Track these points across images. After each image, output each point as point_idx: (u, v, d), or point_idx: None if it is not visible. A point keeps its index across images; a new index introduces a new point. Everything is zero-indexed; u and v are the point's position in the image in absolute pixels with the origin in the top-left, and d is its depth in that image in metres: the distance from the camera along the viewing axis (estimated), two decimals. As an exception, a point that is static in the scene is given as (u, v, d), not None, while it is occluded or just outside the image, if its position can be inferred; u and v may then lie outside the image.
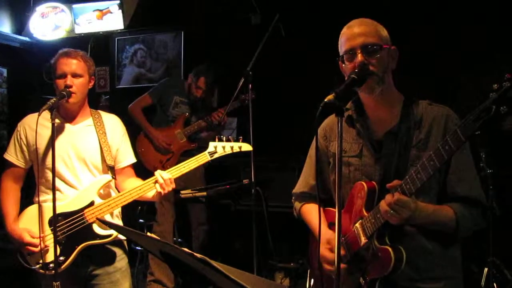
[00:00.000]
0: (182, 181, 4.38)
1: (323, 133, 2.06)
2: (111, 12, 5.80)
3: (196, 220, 4.60)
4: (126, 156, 2.71)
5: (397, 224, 1.66)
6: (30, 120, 2.60)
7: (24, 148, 2.57)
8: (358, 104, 1.92)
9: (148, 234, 1.76)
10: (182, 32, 5.68)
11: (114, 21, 5.78)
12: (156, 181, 2.49)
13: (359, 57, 1.73)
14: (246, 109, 3.61)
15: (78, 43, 5.90)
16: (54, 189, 2.33)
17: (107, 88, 6.11)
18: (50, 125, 2.39)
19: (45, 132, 2.48)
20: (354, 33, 1.76)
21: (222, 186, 4.03)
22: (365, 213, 1.77)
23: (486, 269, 3.77)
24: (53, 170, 2.35)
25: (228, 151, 2.61)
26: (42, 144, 2.51)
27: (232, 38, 5.22)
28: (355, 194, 1.83)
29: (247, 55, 3.42)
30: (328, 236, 1.92)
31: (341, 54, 1.82)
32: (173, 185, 2.50)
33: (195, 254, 1.34)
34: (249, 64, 3.35)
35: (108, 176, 2.58)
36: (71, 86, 2.49)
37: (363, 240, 1.76)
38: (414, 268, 1.77)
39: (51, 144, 2.37)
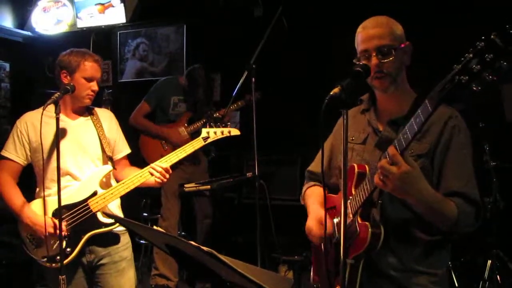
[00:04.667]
0: (186, 174, 4.42)
1: (341, 121, 2.09)
2: (113, 6, 5.79)
3: (202, 213, 4.61)
4: (122, 147, 2.83)
5: (397, 191, 1.59)
6: (31, 116, 2.62)
7: (26, 144, 2.59)
8: (372, 96, 1.97)
9: (154, 227, 1.77)
10: (184, 26, 5.67)
11: (116, 15, 5.77)
12: (152, 174, 2.59)
13: (374, 59, 1.77)
14: (250, 105, 3.61)
15: (80, 37, 5.92)
16: (59, 181, 2.35)
17: (109, 82, 6.11)
18: (51, 121, 2.43)
19: (48, 128, 2.49)
20: (368, 35, 1.79)
21: (225, 180, 4.04)
22: (353, 192, 1.80)
23: (489, 262, 3.78)
24: (58, 163, 2.36)
25: (219, 135, 2.87)
26: (46, 139, 2.52)
27: (234, 31, 5.21)
28: (348, 176, 1.84)
29: (250, 48, 3.41)
30: (321, 214, 1.93)
31: (358, 52, 1.86)
32: (170, 171, 2.64)
33: (202, 247, 1.34)
34: (252, 58, 3.33)
35: (109, 167, 2.65)
36: (96, 92, 2.63)
37: (349, 218, 1.78)
38: (399, 258, 1.78)
39: (55, 138, 2.41)
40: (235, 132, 2.95)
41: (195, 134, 4.48)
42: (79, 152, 2.60)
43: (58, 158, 2.36)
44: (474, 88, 1.33)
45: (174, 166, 2.70)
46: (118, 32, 6.05)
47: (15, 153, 2.59)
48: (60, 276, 2.31)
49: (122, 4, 5.72)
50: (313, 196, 2.12)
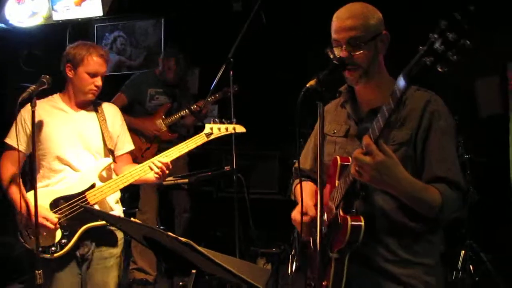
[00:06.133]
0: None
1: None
2: (89, -2, 5.69)
3: (180, 207, 4.61)
4: (125, 143, 2.81)
5: (374, 181, 1.59)
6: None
7: (29, 132, 2.57)
8: (350, 88, 1.94)
9: (132, 219, 1.78)
10: (163, 19, 5.63)
11: (93, 8, 5.66)
12: (152, 169, 2.58)
13: (344, 52, 1.74)
14: (227, 98, 3.62)
15: (56, 30, 5.81)
16: (35, 174, 2.36)
17: (86, 76, 6.02)
18: (55, 111, 2.51)
19: (51, 118, 2.52)
20: (340, 26, 1.75)
21: (203, 173, 4.04)
22: (337, 184, 1.79)
23: (463, 252, 3.87)
24: (34, 155, 2.37)
25: (223, 132, 2.79)
26: (49, 129, 2.55)
27: (213, 25, 5.20)
28: (332, 169, 1.85)
29: (228, 43, 3.41)
30: (306, 204, 1.91)
31: (331, 39, 1.83)
32: (170, 166, 2.61)
33: (179, 238, 1.35)
34: (230, 52, 3.34)
35: (109, 159, 2.65)
36: (100, 87, 2.61)
37: (333, 211, 1.78)
38: (389, 248, 1.77)
39: (56, 130, 2.51)
40: (240, 129, 2.83)
41: (172, 126, 4.48)
42: (79, 143, 2.60)
43: (33, 150, 2.38)
44: (440, 70, 1.31)
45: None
46: (95, 25, 5.96)
47: (18, 141, 2.58)
48: (36, 271, 2.29)
49: (99, -3, 5.63)
50: (304, 190, 2.09)
